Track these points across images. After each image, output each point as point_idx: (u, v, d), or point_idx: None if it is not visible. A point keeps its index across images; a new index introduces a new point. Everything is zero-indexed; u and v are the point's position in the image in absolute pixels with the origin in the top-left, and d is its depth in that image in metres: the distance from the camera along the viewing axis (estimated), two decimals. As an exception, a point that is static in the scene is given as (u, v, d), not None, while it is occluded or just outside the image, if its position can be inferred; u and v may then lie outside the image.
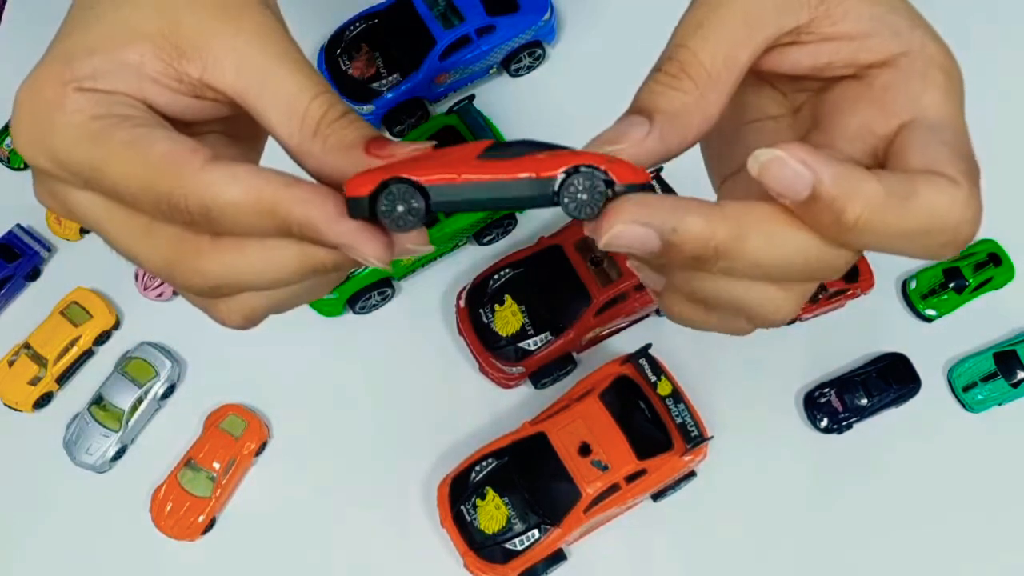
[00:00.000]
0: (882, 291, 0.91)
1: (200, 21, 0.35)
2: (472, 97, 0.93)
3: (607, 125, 0.36)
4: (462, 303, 0.87)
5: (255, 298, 0.38)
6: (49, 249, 0.95)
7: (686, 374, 0.84)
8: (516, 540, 0.79)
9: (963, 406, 0.88)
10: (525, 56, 0.97)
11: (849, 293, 0.90)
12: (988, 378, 0.87)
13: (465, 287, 0.88)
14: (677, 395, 0.81)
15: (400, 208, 0.32)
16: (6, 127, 0.97)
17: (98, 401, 0.89)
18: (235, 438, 0.87)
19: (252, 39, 0.35)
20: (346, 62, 0.93)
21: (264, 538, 0.87)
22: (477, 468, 0.81)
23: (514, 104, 0.97)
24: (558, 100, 0.97)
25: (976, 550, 0.84)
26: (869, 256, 0.91)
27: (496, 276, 0.86)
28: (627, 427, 0.80)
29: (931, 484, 0.86)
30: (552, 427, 0.80)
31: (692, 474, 0.85)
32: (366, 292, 0.89)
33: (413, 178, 0.32)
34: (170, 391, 0.90)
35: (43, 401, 0.91)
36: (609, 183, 0.32)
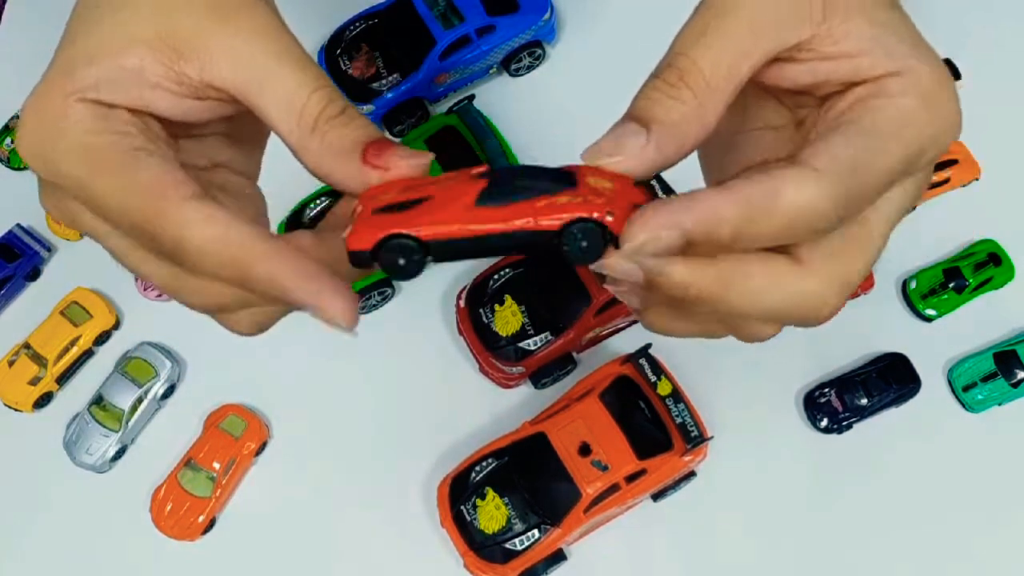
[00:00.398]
0: (882, 291, 0.91)
1: (197, 22, 0.35)
2: (472, 97, 0.93)
3: (607, 125, 0.36)
4: (462, 303, 0.87)
5: (263, 310, 0.38)
6: (49, 249, 0.95)
7: (686, 374, 0.84)
8: (516, 540, 0.79)
9: (963, 406, 0.88)
10: (525, 56, 0.97)
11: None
12: (988, 378, 0.87)
13: (465, 287, 0.88)
14: (677, 395, 0.81)
15: (401, 261, 0.32)
16: (6, 127, 0.97)
17: (98, 401, 0.89)
18: (235, 438, 0.87)
19: (250, 37, 0.35)
20: (346, 62, 0.94)
21: (264, 538, 0.87)
22: (477, 468, 0.81)
23: (514, 104, 0.97)
24: (558, 100, 0.97)
25: (976, 550, 0.84)
26: (869, 256, 0.91)
27: (496, 276, 0.86)
28: (627, 427, 0.80)
29: (931, 484, 0.86)
30: (552, 427, 0.80)
31: (692, 474, 0.85)
32: (366, 292, 0.89)
33: (412, 233, 0.32)
34: (170, 391, 0.90)
35: (43, 401, 0.91)
36: (608, 234, 0.32)
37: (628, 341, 0.90)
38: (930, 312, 0.90)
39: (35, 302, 0.93)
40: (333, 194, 0.86)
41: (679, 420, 0.80)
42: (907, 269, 0.92)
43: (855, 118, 0.35)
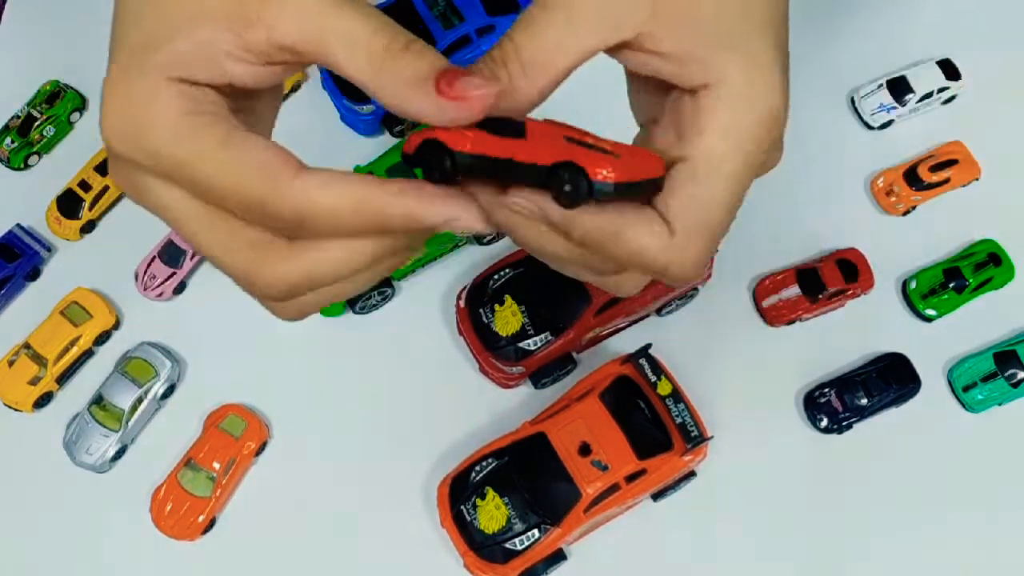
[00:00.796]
0: (882, 291, 0.91)
1: None
2: (472, 97, 0.93)
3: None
4: (462, 303, 0.87)
5: (317, 294, 0.39)
6: (49, 249, 0.95)
7: (686, 374, 0.84)
8: (516, 540, 0.79)
9: (963, 406, 0.88)
10: (525, 56, 0.97)
11: (849, 293, 0.90)
12: (988, 378, 0.87)
13: (465, 287, 0.88)
14: (677, 395, 0.81)
15: (434, 161, 0.36)
16: (6, 127, 0.97)
17: (98, 401, 0.89)
18: (235, 438, 0.87)
19: None
20: (346, 62, 0.93)
21: (264, 538, 0.87)
22: (477, 468, 0.81)
23: (514, 104, 0.97)
24: (557, 99, 0.96)
25: (976, 550, 0.84)
26: (870, 256, 0.91)
27: (496, 276, 0.86)
28: (627, 427, 0.80)
29: (931, 484, 0.86)
30: (552, 427, 0.80)
31: (692, 474, 0.85)
32: (366, 292, 0.89)
33: (444, 141, 0.36)
34: (170, 391, 0.90)
35: (43, 401, 0.91)
36: (590, 182, 0.35)
37: (628, 341, 0.90)
38: (930, 312, 0.90)
39: (35, 302, 0.93)
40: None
41: (679, 420, 0.80)
42: (907, 269, 0.92)
43: (690, 154, 0.38)
